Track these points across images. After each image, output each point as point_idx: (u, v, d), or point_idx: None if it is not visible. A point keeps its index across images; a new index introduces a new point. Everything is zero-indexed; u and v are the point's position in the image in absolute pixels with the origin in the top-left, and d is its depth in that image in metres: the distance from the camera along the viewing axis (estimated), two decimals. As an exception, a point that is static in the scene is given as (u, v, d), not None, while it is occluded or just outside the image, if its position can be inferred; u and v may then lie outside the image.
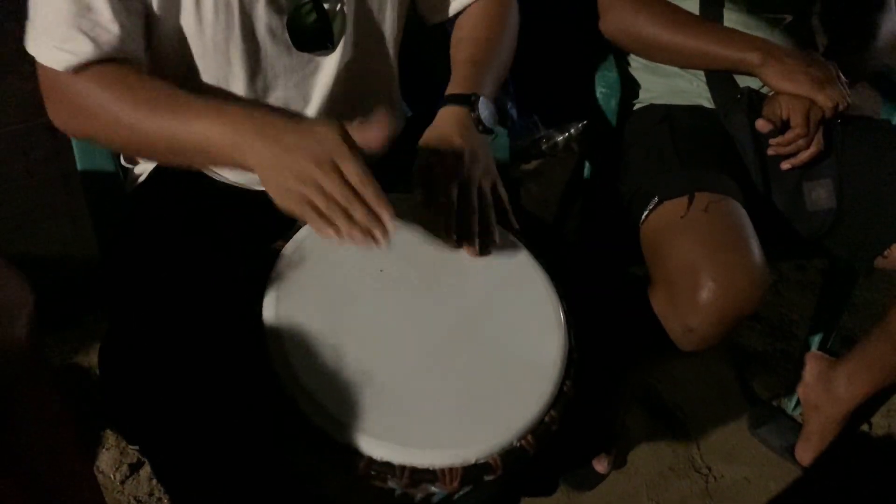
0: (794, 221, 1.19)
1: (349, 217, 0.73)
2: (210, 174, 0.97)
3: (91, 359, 1.48)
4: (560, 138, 2.15)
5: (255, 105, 0.88)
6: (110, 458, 1.33)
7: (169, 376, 0.80)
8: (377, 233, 0.73)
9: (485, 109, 0.93)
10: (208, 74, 0.90)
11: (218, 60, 0.89)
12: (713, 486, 1.43)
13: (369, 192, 0.73)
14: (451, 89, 0.95)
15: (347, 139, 0.74)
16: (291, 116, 0.80)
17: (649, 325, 1.04)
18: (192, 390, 0.79)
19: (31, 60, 0.83)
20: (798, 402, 1.48)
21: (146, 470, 1.31)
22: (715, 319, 0.96)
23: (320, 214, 0.72)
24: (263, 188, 0.77)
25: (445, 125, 0.91)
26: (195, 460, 0.80)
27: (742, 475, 1.44)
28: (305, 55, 0.93)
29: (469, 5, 1.05)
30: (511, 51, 1.07)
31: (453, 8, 1.06)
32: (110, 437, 1.35)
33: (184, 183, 0.96)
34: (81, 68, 0.80)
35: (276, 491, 0.81)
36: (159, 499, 1.28)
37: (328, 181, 0.72)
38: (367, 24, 0.97)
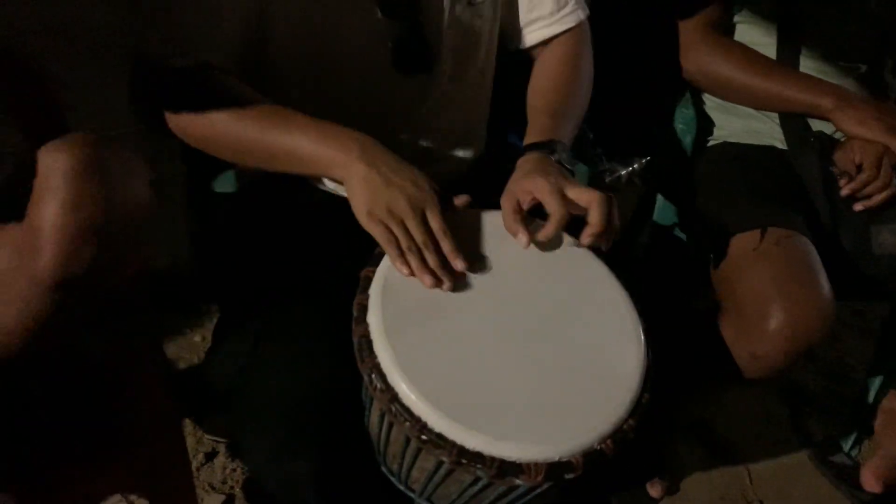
0: (860, 263, 1.23)
1: (422, 260, 0.82)
2: (304, 184, 1.05)
3: (170, 350, 1.56)
4: (623, 172, 2.19)
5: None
6: (187, 446, 1.41)
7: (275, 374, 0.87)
8: (445, 280, 0.82)
9: (563, 153, 0.99)
10: (310, 98, 0.97)
11: (320, 85, 0.97)
12: (764, 519, 1.45)
13: (447, 244, 0.83)
14: (531, 138, 1.00)
15: (438, 194, 0.84)
16: (394, 153, 0.88)
17: (716, 351, 1.09)
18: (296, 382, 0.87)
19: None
20: (854, 443, 1.50)
21: (220, 459, 1.38)
22: (781, 348, 1.00)
23: (398, 249, 0.81)
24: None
25: (529, 166, 0.97)
26: (295, 442, 0.87)
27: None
28: (407, 80, 1.01)
29: (547, 40, 1.12)
30: (587, 94, 1.12)
31: (529, 40, 1.13)
32: (188, 425, 1.43)
33: (287, 188, 1.04)
34: None
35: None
36: (231, 486, 1.35)
37: (414, 224, 0.82)
38: (464, 50, 1.04)
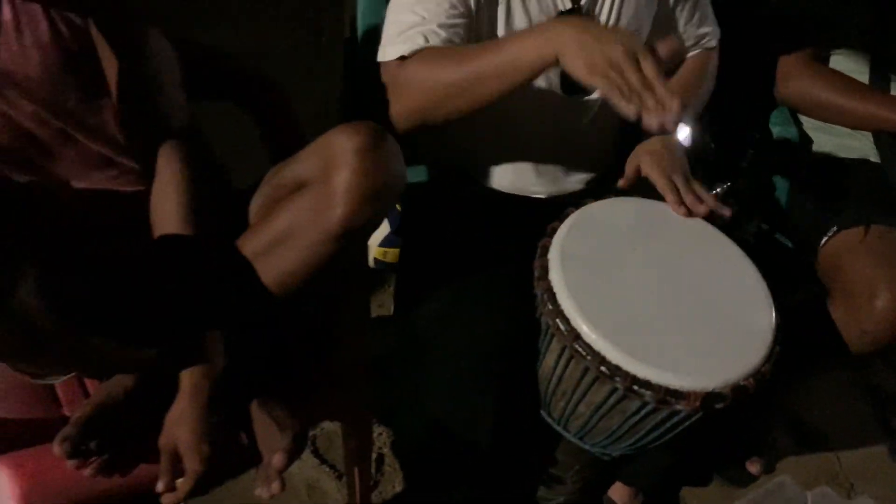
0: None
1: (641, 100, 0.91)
2: (483, 181, 1.27)
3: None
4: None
5: None
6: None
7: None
8: (666, 113, 0.90)
9: (682, 133, 1.19)
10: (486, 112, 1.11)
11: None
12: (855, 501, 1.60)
13: (660, 85, 0.90)
14: None
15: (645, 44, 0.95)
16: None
17: (823, 333, 1.26)
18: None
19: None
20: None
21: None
22: (888, 324, 1.17)
23: (621, 93, 0.91)
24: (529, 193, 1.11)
25: (654, 142, 1.18)
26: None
27: (883, 494, 1.60)
28: (570, 99, 1.21)
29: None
30: (708, 94, 1.33)
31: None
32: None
33: (456, 189, 1.26)
34: (411, 56, 1.06)
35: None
36: (380, 447, 1.55)
37: (631, 69, 0.90)
38: None
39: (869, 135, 1.48)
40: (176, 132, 0.97)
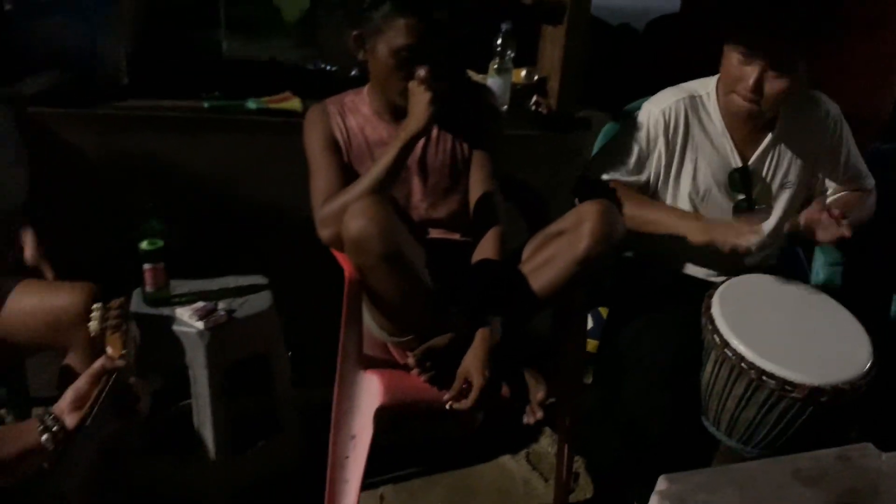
0: None
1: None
2: (677, 266, 1.87)
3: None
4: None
5: None
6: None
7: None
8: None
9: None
10: None
11: None
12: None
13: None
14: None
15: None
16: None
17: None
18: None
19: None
20: None
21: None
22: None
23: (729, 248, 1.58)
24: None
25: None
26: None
27: None
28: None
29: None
30: (867, 218, 1.85)
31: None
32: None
33: (656, 270, 1.87)
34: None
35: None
36: (577, 467, 2.07)
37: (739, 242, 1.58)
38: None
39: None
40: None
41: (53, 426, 1.15)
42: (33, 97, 1.83)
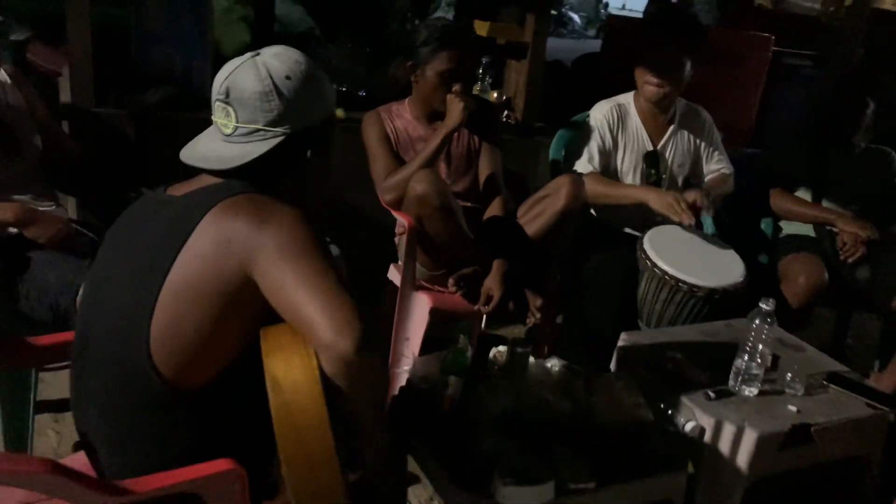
0: None
1: (683, 214, 2.41)
2: (619, 225, 2.70)
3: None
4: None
5: None
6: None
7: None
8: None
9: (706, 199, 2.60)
10: None
11: None
12: None
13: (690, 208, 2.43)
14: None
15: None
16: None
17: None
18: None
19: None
20: None
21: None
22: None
23: (675, 212, 2.41)
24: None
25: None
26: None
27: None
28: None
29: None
30: (723, 196, 2.75)
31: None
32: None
33: (607, 226, 2.70)
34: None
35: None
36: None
37: (681, 202, 2.43)
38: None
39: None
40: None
41: None
42: (157, 104, 2.47)
